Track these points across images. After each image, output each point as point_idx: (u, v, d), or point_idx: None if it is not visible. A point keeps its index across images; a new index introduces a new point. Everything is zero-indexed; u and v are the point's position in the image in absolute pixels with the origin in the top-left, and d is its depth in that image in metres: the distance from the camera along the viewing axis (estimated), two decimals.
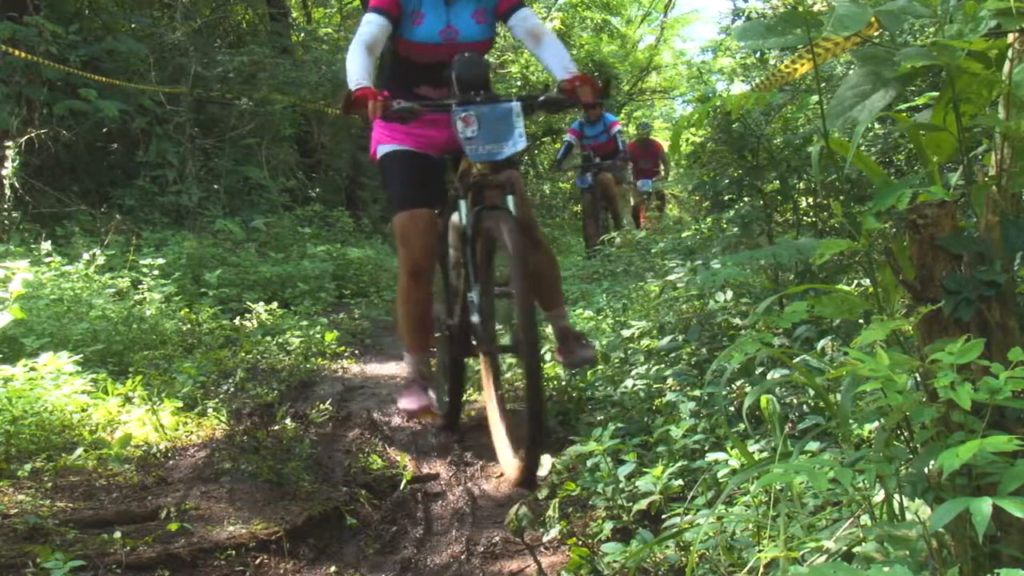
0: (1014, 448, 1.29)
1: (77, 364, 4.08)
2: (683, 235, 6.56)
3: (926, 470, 1.53)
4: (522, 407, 3.07)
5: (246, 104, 10.04)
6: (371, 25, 3.21)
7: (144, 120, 9.06)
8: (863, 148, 4.32)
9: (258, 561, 2.55)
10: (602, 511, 2.68)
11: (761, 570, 1.73)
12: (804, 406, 2.80)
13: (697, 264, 4.38)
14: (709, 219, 5.41)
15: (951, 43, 1.62)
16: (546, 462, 2.91)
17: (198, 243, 7.83)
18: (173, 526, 2.68)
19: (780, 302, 2.91)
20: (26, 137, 7.77)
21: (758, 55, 8.56)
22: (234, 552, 2.57)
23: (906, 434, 1.69)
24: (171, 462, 3.44)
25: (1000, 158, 1.76)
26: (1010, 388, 1.37)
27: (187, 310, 6.02)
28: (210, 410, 4.00)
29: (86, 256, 6.19)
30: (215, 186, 9.61)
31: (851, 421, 1.88)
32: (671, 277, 4.49)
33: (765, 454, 2.38)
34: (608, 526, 2.52)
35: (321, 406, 4.19)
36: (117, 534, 2.59)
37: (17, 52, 7.57)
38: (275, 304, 6.74)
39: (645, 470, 2.69)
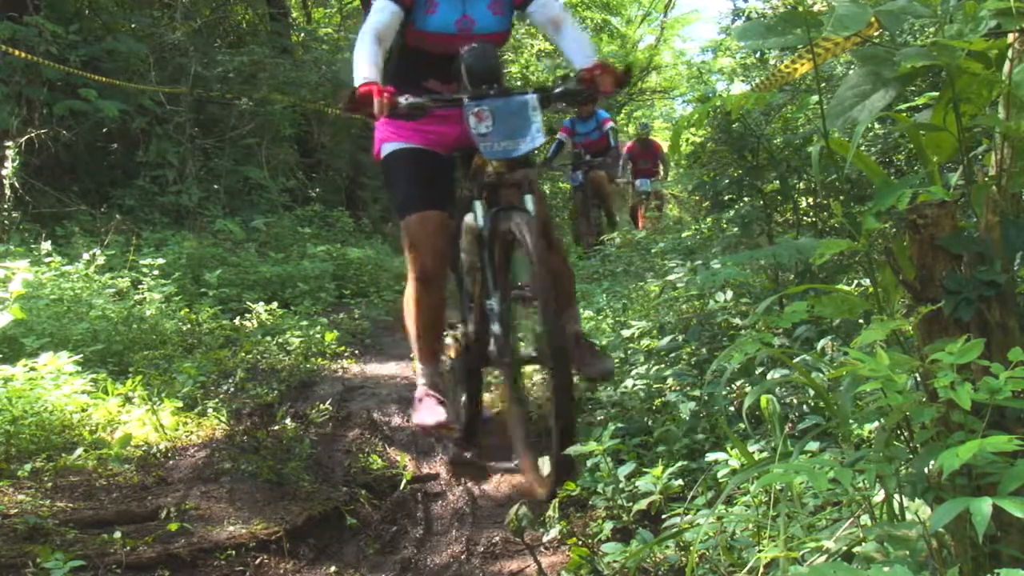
0: (1014, 448, 1.28)
1: (77, 364, 4.08)
2: (683, 235, 6.56)
3: (926, 470, 1.53)
4: (548, 420, 2.86)
5: (246, 104, 10.04)
6: (382, 13, 3.00)
7: (144, 120, 9.06)
8: (863, 148, 4.32)
9: (258, 561, 2.55)
10: (602, 511, 2.68)
11: (761, 570, 1.73)
12: (804, 406, 2.80)
13: (697, 264, 4.38)
14: (709, 219, 5.41)
15: (951, 43, 1.62)
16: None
17: (198, 243, 7.83)
18: (173, 526, 2.68)
19: (780, 302, 2.91)
20: (26, 137, 7.77)
21: (758, 55, 8.56)
22: (234, 552, 2.57)
23: (906, 434, 1.69)
24: (171, 462, 3.44)
25: (1000, 158, 1.76)
26: (1010, 388, 1.37)
27: (187, 310, 6.02)
28: (210, 410, 4.00)
29: (86, 256, 6.19)
30: (215, 186, 9.61)
31: (851, 421, 1.88)
32: (671, 277, 4.49)
33: (765, 454, 2.38)
34: (608, 526, 2.52)
35: (321, 406, 4.19)
36: (117, 534, 2.59)
37: (17, 52, 7.57)
38: (275, 304, 6.73)
39: (645, 470, 2.69)
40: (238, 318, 6.31)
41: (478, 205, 3.06)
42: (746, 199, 4.45)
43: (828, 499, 2.04)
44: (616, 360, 3.83)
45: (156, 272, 6.21)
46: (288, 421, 3.91)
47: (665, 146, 11.92)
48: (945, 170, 2.09)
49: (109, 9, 10.24)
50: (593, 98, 3.13)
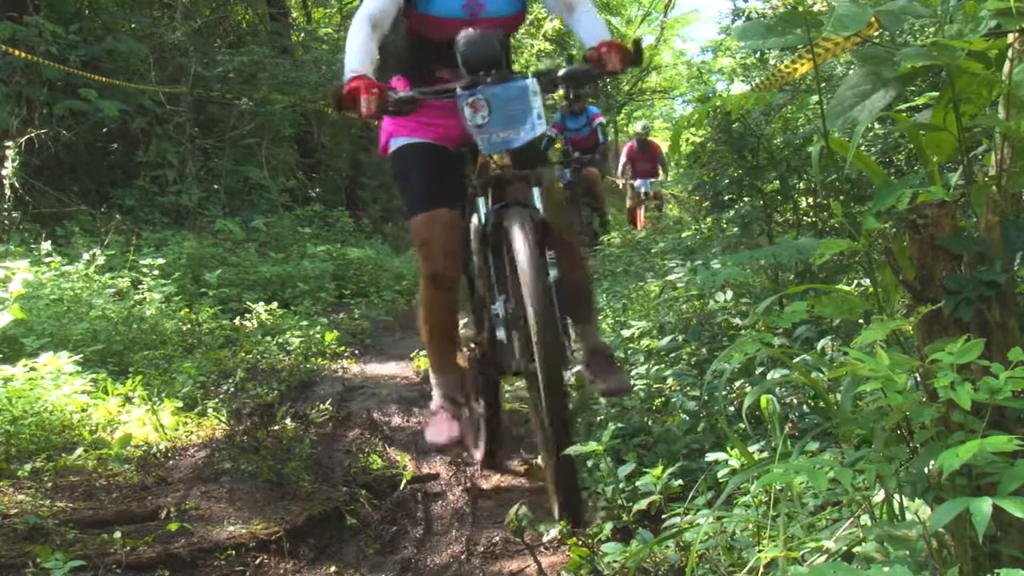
0: (1014, 448, 1.28)
1: (77, 364, 4.08)
2: (683, 235, 6.57)
3: (926, 470, 1.53)
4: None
5: (246, 104, 10.04)
6: None
7: (144, 120, 9.06)
8: (863, 148, 4.33)
9: (258, 561, 2.55)
10: (602, 511, 2.68)
11: (761, 570, 1.73)
12: (804, 406, 2.80)
13: (697, 264, 4.38)
14: (709, 219, 5.41)
15: (951, 43, 1.62)
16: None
17: (198, 243, 7.83)
18: (173, 526, 2.68)
19: (780, 302, 2.91)
20: (26, 137, 7.77)
21: (758, 55, 8.56)
22: (234, 552, 2.56)
23: (906, 434, 1.69)
24: (171, 462, 3.44)
25: (1000, 158, 1.76)
26: (1010, 388, 1.37)
27: (187, 310, 6.02)
28: (210, 410, 4.00)
29: (86, 256, 6.19)
30: (215, 186, 9.61)
31: (851, 421, 1.88)
32: (671, 277, 4.49)
33: (765, 454, 2.38)
34: (608, 526, 2.52)
35: (321, 406, 4.19)
36: (117, 534, 2.59)
37: (17, 52, 7.57)
38: (275, 304, 6.74)
39: (645, 470, 2.69)
40: (238, 318, 6.32)
41: (481, 202, 2.90)
42: (746, 199, 4.46)
43: (828, 499, 2.04)
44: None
45: (156, 272, 6.21)
46: (288, 421, 3.91)
47: (665, 146, 11.92)
48: (945, 170, 2.09)
49: (109, 9, 10.24)
50: (601, 79, 2.91)
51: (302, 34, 13.20)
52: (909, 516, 1.64)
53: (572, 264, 2.95)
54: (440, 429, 2.99)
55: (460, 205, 3.05)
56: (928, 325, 1.64)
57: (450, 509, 3.04)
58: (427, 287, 3.02)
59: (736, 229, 4.52)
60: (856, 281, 3.76)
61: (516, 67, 16.88)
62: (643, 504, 2.53)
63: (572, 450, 2.60)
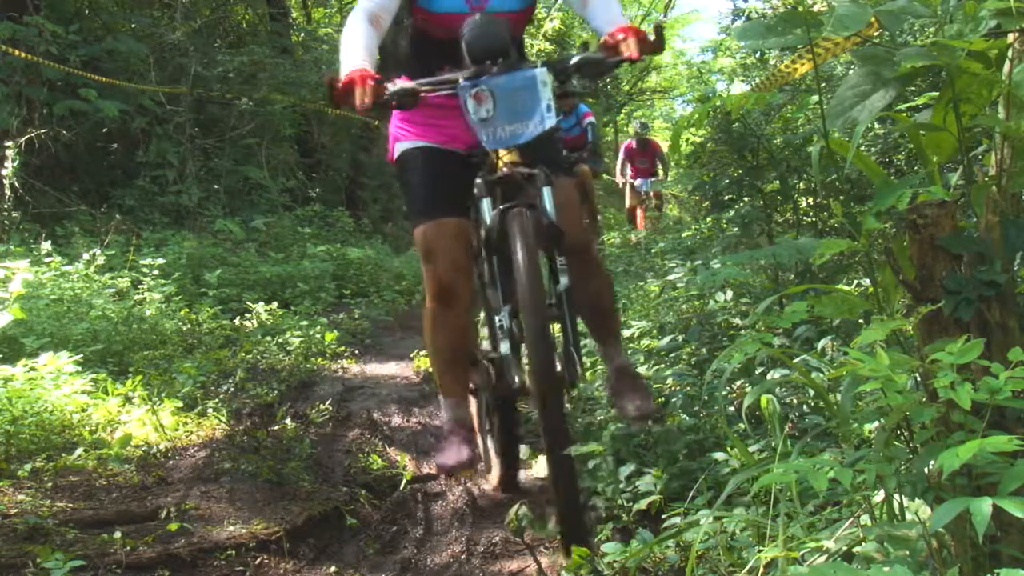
0: (1014, 448, 1.28)
1: (77, 364, 4.08)
2: (683, 235, 6.57)
3: (926, 470, 1.53)
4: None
5: (246, 104, 10.04)
6: None
7: (144, 120, 9.06)
8: (863, 148, 4.33)
9: (258, 561, 2.55)
10: (602, 511, 2.68)
11: (761, 570, 1.73)
12: (804, 406, 2.80)
13: (697, 264, 4.38)
14: (709, 219, 5.42)
15: (951, 43, 1.62)
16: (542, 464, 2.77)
17: (198, 243, 7.83)
18: (173, 526, 2.68)
19: (780, 302, 2.91)
20: (26, 137, 7.77)
21: (758, 55, 8.57)
22: (234, 552, 2.57)
23: (906, 434, 1.69)
24: (171, 462, 3.44)
25: (1000, 158, 1.76)
26: (1010, 388, 1.37)
27: (187, 310, 6.03)
28: (210, 410, 4.00)
29: (86, 256, 6.19)
30: (215, 186, 9.62)
31: (851, 421, 1.88)
32: (671, 277, 4.49)
33: (765, 454, 2.38)
34: (608, 526, 2.52)
35: (321, 406, 4.19)
36: (117, 534, 2.59)
37: (17, 52, 7.58)
38: (275, 304, 6.74)
39: (645, 470, 2.70)
40: (238, 318, 6.32)
41: (485, 203, 2.63)
42: (746, 199, 4.46)
43: (828, 499, 2.04)
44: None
45: (156, 272, 6.22)
46: (288, 421, 3.91)
47: (665, 146, 11.91)
48: (945, 170, 2.09)
49: (109, 9, 10.24)
50: (617, 68, 2.63)
51: (302, 34, 13.20)
52: (909, 516, 1.64)
53: (588, 274, 2.74)
54: (449, 453, 2.77)
55: (470, 214, 2.80)
56: (928, 325, 1.64)
57: (450, 509, 3.03)
58: (432, 304, 2.76)
59: (736, 229, 4.52)
60: (856, 281, 3.76)
61: None
62: (643, 504, 2.54)
63: (572, 450, 2.44)
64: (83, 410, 3.80)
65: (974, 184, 1.77)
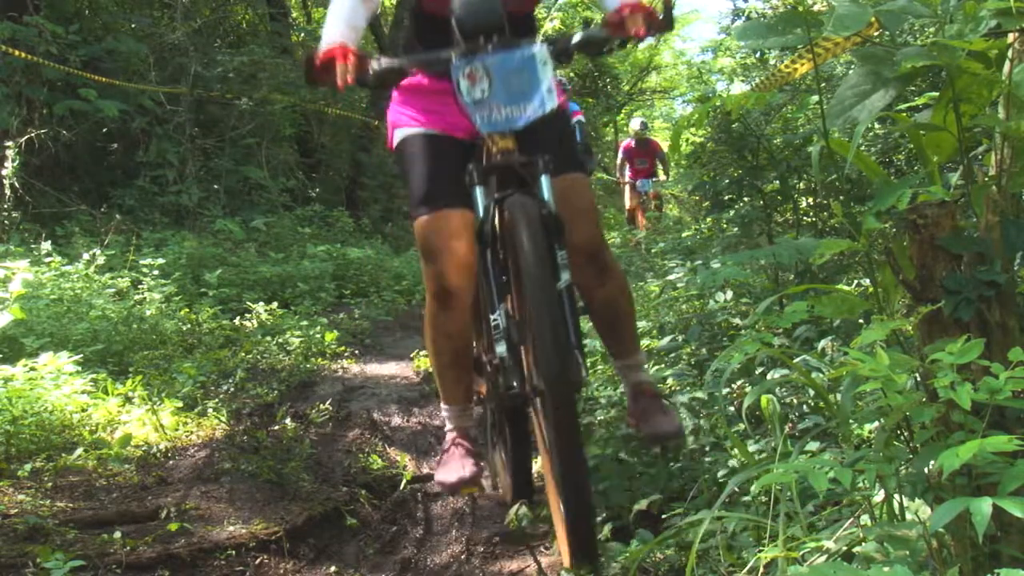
0: (1014, 448, 1.29)
1: (77, 364, 4.08)
2: (683, 235, 6.58)
3: (926, 470, 1.53)
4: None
5: (246, 104, 10.05)
6: None
7: (144, 120, 9.07)
8: (863, 148, 4.33)
9: (258, 561, 2.55)
10: (602, 511, 2.68)
11: (761, 570, 1.73)
12: (804, 406, 2.80)
13: (697, 264, 4.38)
14: (709, 219, 5.42)
15: (951, 43, 1.62)
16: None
17: (198, 243, 7.83)
18: (173, 526, 2.68)
19: (780, 302, 2.91)
20: (26, 137, 7.77)
21: (758, 55, 8.57)
22: (234, 552, 2.57)
23: (906, 434, 1.69)
24: (171, 462, 3.44)
25: (1000, 158, 1.76)
26: (1010, 388, 1.37)
27: (187, 310, 6.02)
28: (210, 410, 4.00)
29: (86, 256, 6.19)
30: (215, 186, 9.62)
31: (851, 421, 1.88)
32: (671, 277, 4.49)
33: (765, 454, 2.38)
34: (608, 526, 2.52)
35: (321, 406, 4.19)
36: (117, 534, 2.59)
37: (17, 52, 7.58)
38: (275, 304, 6.74)
39: (645, 470, 2.70)
40: (238, 318, 6.32)
41: (480, 192, 2.42)
42: (746, 199, 4.46)
43: (828, 499, 2.04)
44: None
45: (156, 272, 6.21)
46: (288, 421, 3.91)
47: (665, 146, 11.89)
48: (945, 170, 2.09)
49: (109, 9, 10.25)
50: (623, 44, 2.40)
51: (302, 34, 13.20)
52: (909, 516, 1.64)
53: (601, 279, 2.54)
54: (451, 468, 2.52)
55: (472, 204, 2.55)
56: (928, 325, 1.64)
57: (450, 509, 3.03)
58: (433, 304, 2.53)
59: (736, 229, 4.52)
60: (856, 281, 3.76)
61: None
62: (643, 504, 2.54)
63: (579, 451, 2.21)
64: (83, 410, 3.80)
65: (974, 184, 1.77)
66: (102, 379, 4.17)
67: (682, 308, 4.37)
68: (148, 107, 9.10)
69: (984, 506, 1.23)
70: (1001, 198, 1.72)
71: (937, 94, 1.84)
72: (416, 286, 8.21)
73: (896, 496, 1.63)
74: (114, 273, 6.18)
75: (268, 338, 5.74)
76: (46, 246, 6.19)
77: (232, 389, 4.48)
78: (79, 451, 3.34)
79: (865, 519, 1.72)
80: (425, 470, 3.44)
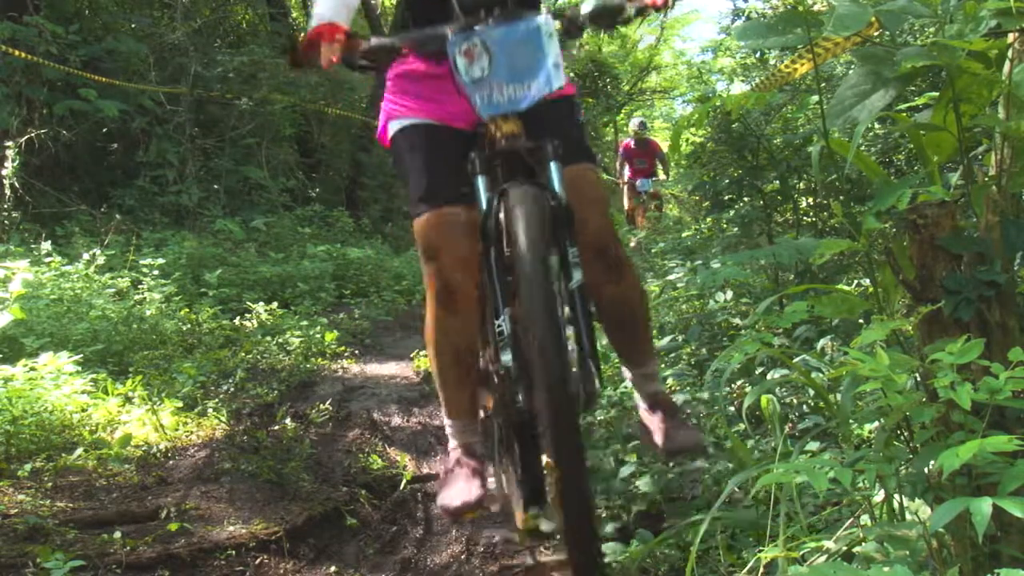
0: (1014, 448, 1.29)
1: (77, 364, 4.08)
2: (683, 235, 6.58)
3: (926, 470, 1.53)
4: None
5: (246, 104, 10.04)
6: None
7: (144, 120, 9.07)
8: (863, 148, 4.33)
9: (258, 561, 2.55)
10: (602, 511, 2.68)
11: (761, 570, 1.73)
12: (804, 406, 2.81)
13: (697, 264, 4.38)
14: (709, 219, 5.42)
15: (951, 43, 1.62)
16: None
17: (198, 243, 7.83)
18: (173, 526, 2.68)
19: (780, 302, 2.91)
20: (26, 137, 7.77)
21: (758, 55, 8.56)
22: (234, 552, 2.57)
23: (906, 434, 1.69)
24: (171, 462, 3.44)
25: (1000, 158, 1.76)
26: (1010, 388, 1.37)
27: (187, 310, 6.02)
28: (210, 410, 4.00)
29: (86, 256, 6.19)
30: (215, 186, 9.62)
31: (851, 421, 1.88)
32: (671, 277, 4.49)
33: (765, 454, 2.38)
34: (608, 526, 2.52)
35: (321, 406, 4.19)
36: (117, 534, 2.59)
37: (17, 52, 7.58)
38: (275, 304, 6.74)
39: (645, 470, 2.70)
40: (238, 318, 6.32)
41: (480, 183, 2.17)
42: (746, 199, 4.46)
43: (828, 499, 2.04)
44: (616, 361, 3.63)
45: (156, 272, 6.21)
46: (288, 421, 3.91)
47: (665, 146, 11.88)
48: (945, 170, 2.09)
49: (109, 9, 10.24)
50: (637, 14, 2.17)
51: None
52: (909, 516, 1.64)
53: (612, 279, 2.31)
54: (454, 490, 2.27)
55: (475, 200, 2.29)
56: (928, 325, 1.64)
57: None
58: (435, 307, 2.30)
59: (736, 229, 4.52)
60: (856, 281, 3.76)
61: None
62: (643, 504, 2.54)
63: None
64: (83, 410, 3.80)
65: (974, 184, 1.77)
66: (102, 379, 4.17)
67: (682, 308, 4.37)
68: (148, 107, 9.10)
69: (984, 506, 1.23)
70: (1001, 198, 1.72)
71: (937, 94, 1.84)
72: (416, 286, 8.22)
73: (896, 496, 1.63)
74: (114, 273, 6.18)
75: (268, 338, 5.73)
76: (46, 246, 6.19)
77: (232, 389, 4.48)
78: (79, 451, 3.34)
79: (865, 519, 1.72)
80: (425, 470, 3.44)
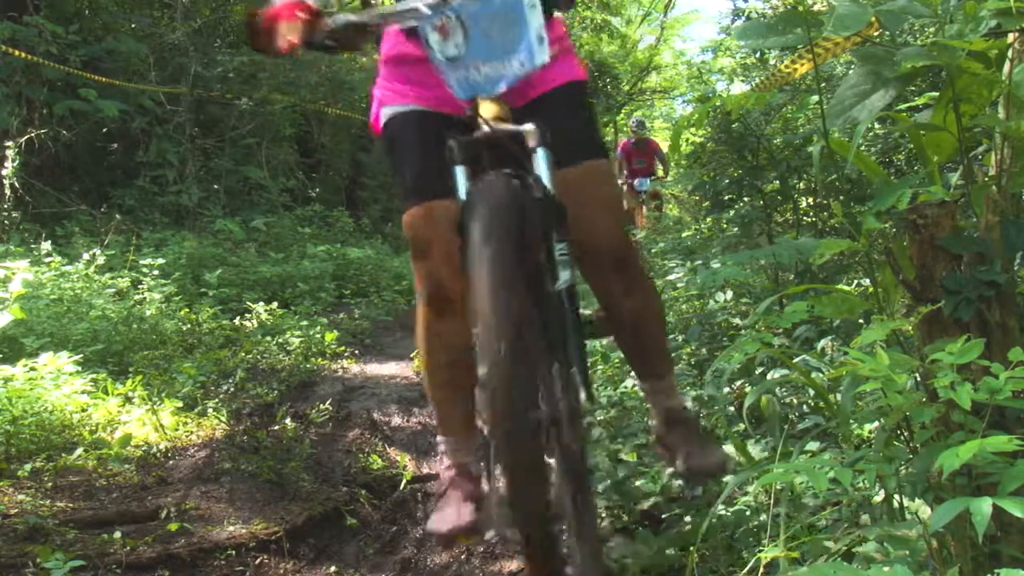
0: (1014, 448, 1.28)
1: (77, 364, 4.08)
2: (683, 235, 6.58)
3: (926, 470, 1.53)
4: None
5: (246, 104, 10.05)
6: None
7: (144, 120, 9.07)
8: (863, 148, 4.33)
9: (258, 561, 2.55)
10: (602, 511, 2.68)
11: (761, 570, 1.73)
12: (804, 406, 2.81)
13: (697, 264, 4.38)
14: (709, 219, 5.42)
15: (951, 43, 1.62)
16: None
17: (198, 243, 7.83)
18: (173, 526, 2.68)
19: (780, 302, 2.91)
20: (26, 137, 7.77)
21: (758, 55, 8.56)
22: (234, 552, 2.57)
23: (906, 434, 1.69)
24: (171, 462, 3.44)
25: (1000, 158, 1.76)
26: (1010, 388, 1.37)
27: (187, 310, 6.02)
28: (210, 410, 4.00)
29: (86, 256, 6.19)
30: (215, 186, 9.62)
31: (851, 421, 1.88)
32: (671, 277, 4.49)
33: (765, 454, 2.38)
34: (608, 526, 2.52)
35: (321, 406, 4.19)
36: (117, 534, 2.59)
37: (17, 52, 7.58)
38: (275, 304, 6.74)
39: (645, 470, 2.69)
40: (238, 318, 6.32)
41: (459, 173, 1.90)
42: (746, 199, 4.46)
43: (828, 499, 2.04)
44: (616, 360, 3.64)
45: (156, 272, 6.21)
46: (288, 421, 3.91)
47: (665, 146, 11.88)
48: (945, 170, 2.09)
49: (109, 9, 10.24)
50: None
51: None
52: (909, 516, 1.64)
53: (625, 290, 2.13)
54: (446, 515, 2.07)
55: None
56: (928, 325, 1.64)
57: None
58: (427, 311, 2.15)
59: (736, 229, 4.52)
60: (856, 281, 3.76)
61: None
62: (643, 504, 2.54)
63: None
64: (83, 410, 3.80)
65: (974, 184, 1.77)
66: (102, 379, 4.17)
67: (682, 308, 4.36)
68: (148, 107, 9.10)
69: (984, 506, 1.23)
70: (1001, 198, 1.72)
71: (937, 94, 1.84)
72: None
73: (896, 496, 1.63)
74: (114, 273, 6.18)
75: (268, 338, 5.73)
76: (46, 246, 6.19)
77: (232, 389, 4.48)
78: (79, 451, 3.34)
79: (865, 519, 1.72)
80: (425, 470, 3.44)
